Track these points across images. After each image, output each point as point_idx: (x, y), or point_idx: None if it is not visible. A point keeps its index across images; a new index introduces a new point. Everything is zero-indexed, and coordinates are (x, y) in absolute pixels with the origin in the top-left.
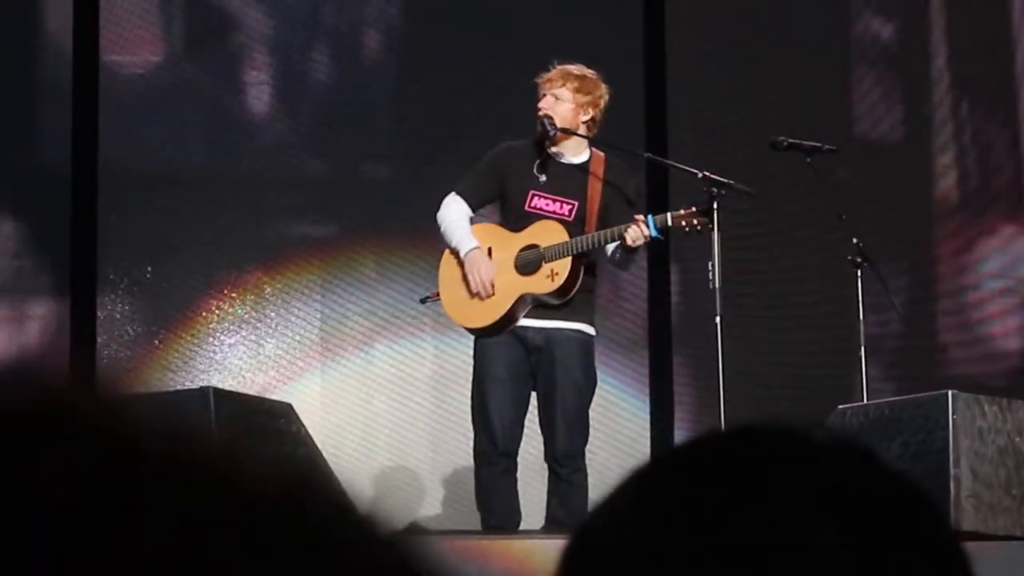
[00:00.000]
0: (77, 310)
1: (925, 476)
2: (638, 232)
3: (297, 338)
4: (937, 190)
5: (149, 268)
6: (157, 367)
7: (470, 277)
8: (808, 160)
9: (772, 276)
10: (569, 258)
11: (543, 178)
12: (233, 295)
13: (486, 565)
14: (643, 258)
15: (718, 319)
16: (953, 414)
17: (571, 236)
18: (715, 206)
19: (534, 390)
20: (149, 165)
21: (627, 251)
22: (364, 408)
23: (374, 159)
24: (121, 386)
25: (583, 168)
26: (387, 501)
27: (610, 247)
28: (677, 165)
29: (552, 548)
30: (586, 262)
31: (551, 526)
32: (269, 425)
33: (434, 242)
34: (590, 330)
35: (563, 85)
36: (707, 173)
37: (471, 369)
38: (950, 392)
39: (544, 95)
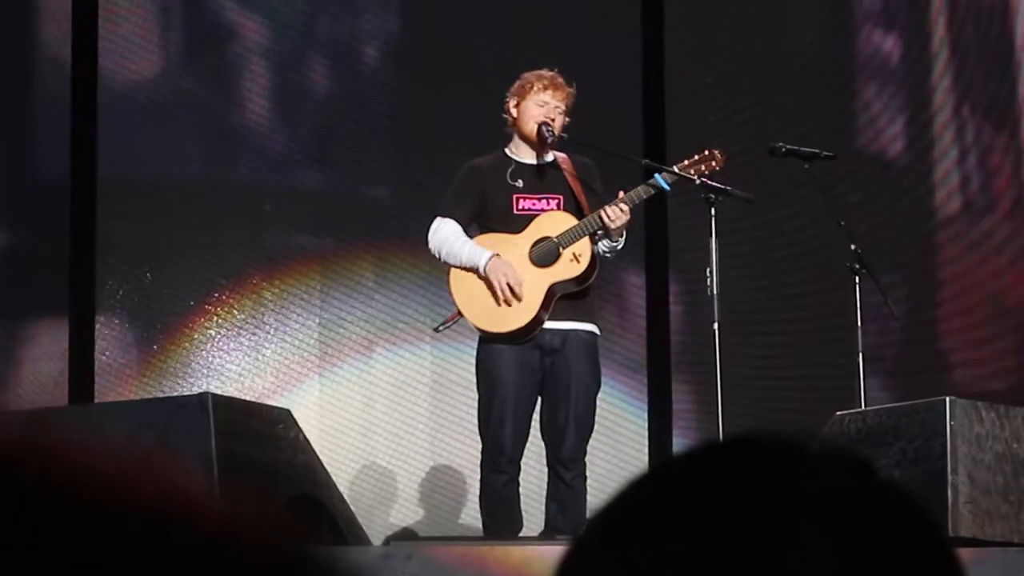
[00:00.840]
0: (76, 318)
1: (923, 482)
2: (617, 211)
3: (296, 344)
4: (937, 199)
5: (148, 275)
6: (156, 373)
7: (497, 283)
8: (806, 166)
9: (770, 282)
10: (587, 238)
11: (520, 183)
12: (231, 301)
13: (485, 571)
14: (641, 267)
15: (716, 326)
16: (951, 420)
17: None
18: (712, 212)
19: (539, 395)
20: (147, 175)
21: (611, 239)
22: (362, 414)
23: (371, 169)
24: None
25: (553, 166)
26: (385, 507)
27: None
28: (675, 172)
29: (550, 555)
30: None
31: (550, 533)
32: (268, 431)
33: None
34: (597, 330)
35: (564, 99)
36: (705, 179)
37: (469, 375)
38: (948, 399)
39: (555, 106)
